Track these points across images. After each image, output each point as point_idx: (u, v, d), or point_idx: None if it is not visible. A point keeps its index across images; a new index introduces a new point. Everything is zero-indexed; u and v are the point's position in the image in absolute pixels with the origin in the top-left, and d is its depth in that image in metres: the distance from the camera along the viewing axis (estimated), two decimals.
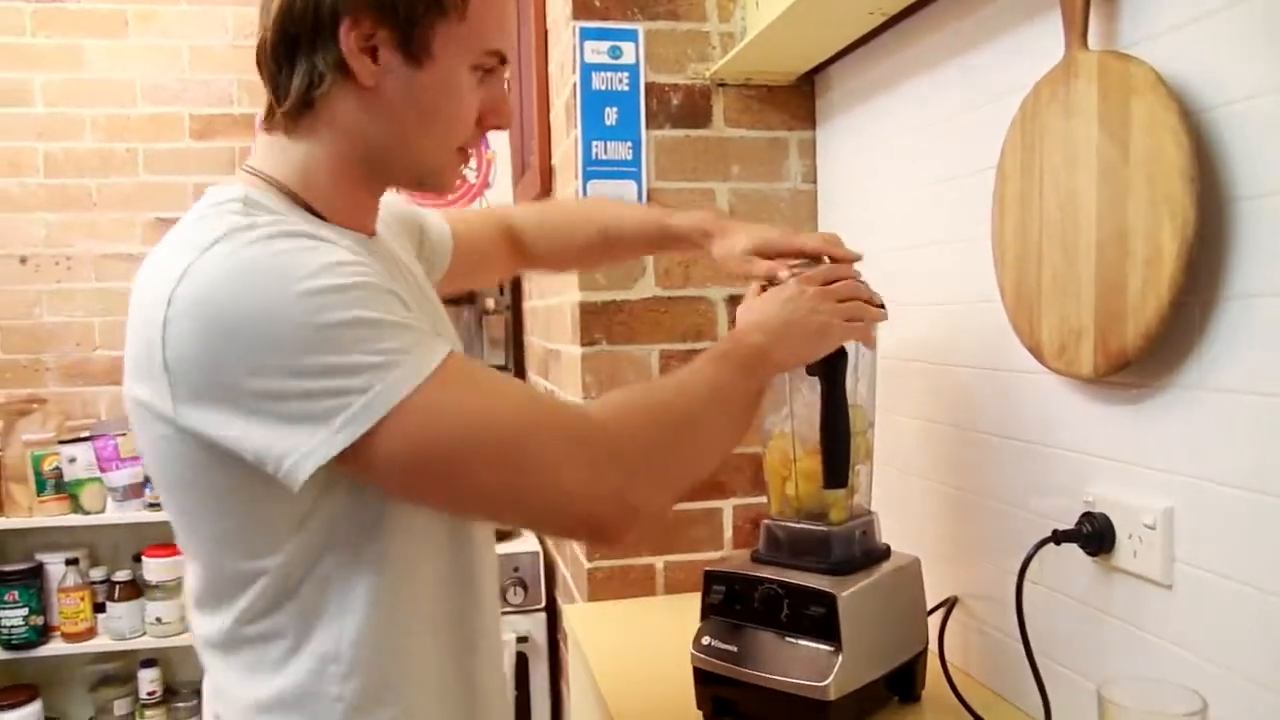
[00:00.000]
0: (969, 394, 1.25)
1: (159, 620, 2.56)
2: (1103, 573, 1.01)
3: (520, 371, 2.76)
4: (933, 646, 1.24)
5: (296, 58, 0.82)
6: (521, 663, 2.10)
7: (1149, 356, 0.91)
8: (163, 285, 0.74)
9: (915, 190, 1.40)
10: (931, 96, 1.36)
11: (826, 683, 1.05)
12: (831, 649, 1.07)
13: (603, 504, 0.79)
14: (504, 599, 2.13)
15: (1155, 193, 0.87)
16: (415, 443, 0.73)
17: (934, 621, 1.26)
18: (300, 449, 0.72)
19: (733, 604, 1.17)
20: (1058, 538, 1.01)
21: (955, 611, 1.29)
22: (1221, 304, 0.85)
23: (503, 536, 2.30)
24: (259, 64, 0.85)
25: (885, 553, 1.20)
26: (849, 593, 1.09)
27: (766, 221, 1.69)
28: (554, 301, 2.01)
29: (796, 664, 1.09)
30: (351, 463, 0.73)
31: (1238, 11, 0.83)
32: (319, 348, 0.71)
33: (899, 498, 1.41)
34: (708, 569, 1.20)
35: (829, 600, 1.08)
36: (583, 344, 1.66)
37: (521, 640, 2.10)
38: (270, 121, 0.86)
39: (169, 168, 2.82)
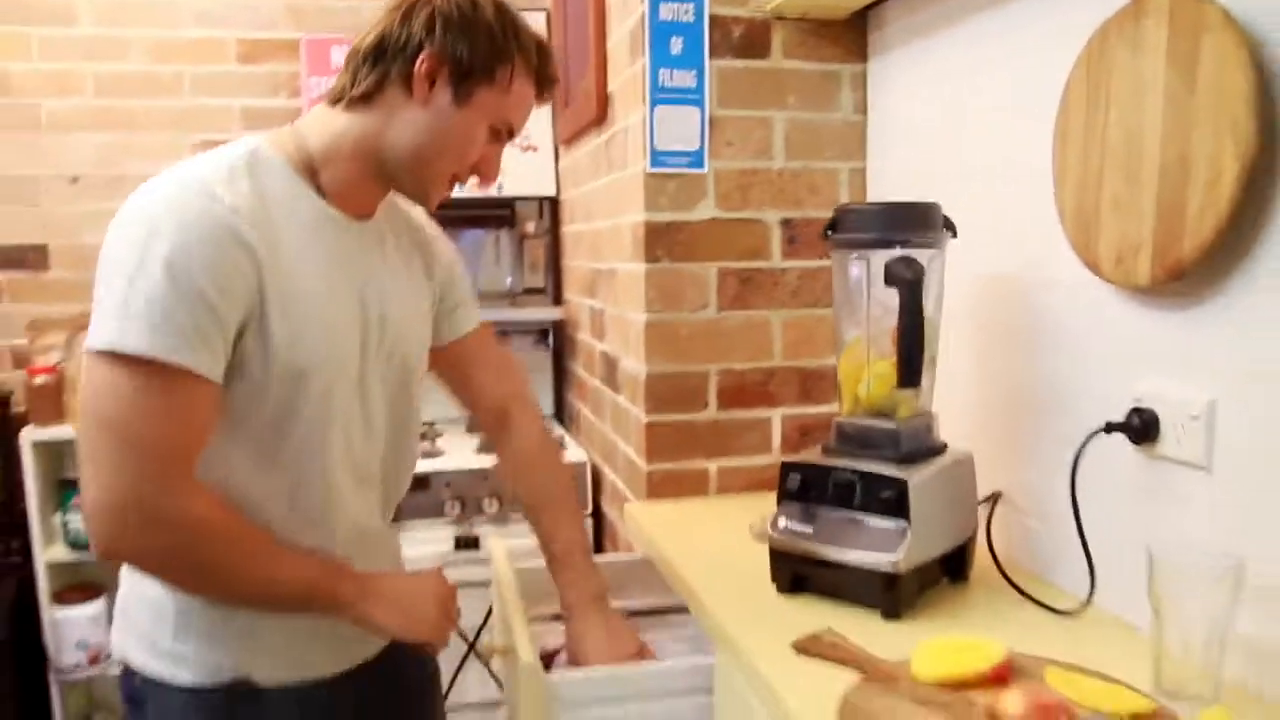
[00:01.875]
0: (1024, 306, 1.38)
1: None
2: (1147, 461, 1.15)
3: (558, 293, 2.87)
4: (979, 537, 1.38)
5: (379, 62, 1.08)
6: None
7: (1204, 267, 1.03)
8: None
9: (969, 122, 1.51)
10: (985, 37, 1.46)
11: (897, 557, 1.20)
12: (901, 528, 1.21)
13: (95, 528, 0.97)
14: None
15: (1220, 120, 0.98)
16: (86, 380, 0.98)
17: (980, 513, 1.40)
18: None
19: (808, 490, 1.30)
20: (1109, 428, 1.15)
21: (1000, 505, 1.43)
22: (1274, 219, 0.98)
23: None
24: (350, 58, 1.10)
25: (943, 448, 1.34)
26: (918, 478, 1.22)
27: (816, 150, 1.81)
28: (608, 224, 2.11)
29: (869, 541, 1.23)
30: None
31: None
32: (132, 281, 0.96)
33: (956, 400, 1.54)
34: (785, 460, 1.33)
35: (900, 484, 1.21)
36: (647, 260, 1.77)
37: None
38: (334, 99, 1.12)
39: (215, 91, 2.88)
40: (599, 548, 2.35)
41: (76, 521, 2.57)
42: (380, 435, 1.20)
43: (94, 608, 2.61)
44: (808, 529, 1.29)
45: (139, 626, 1.13)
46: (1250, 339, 1.01)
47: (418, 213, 1.31)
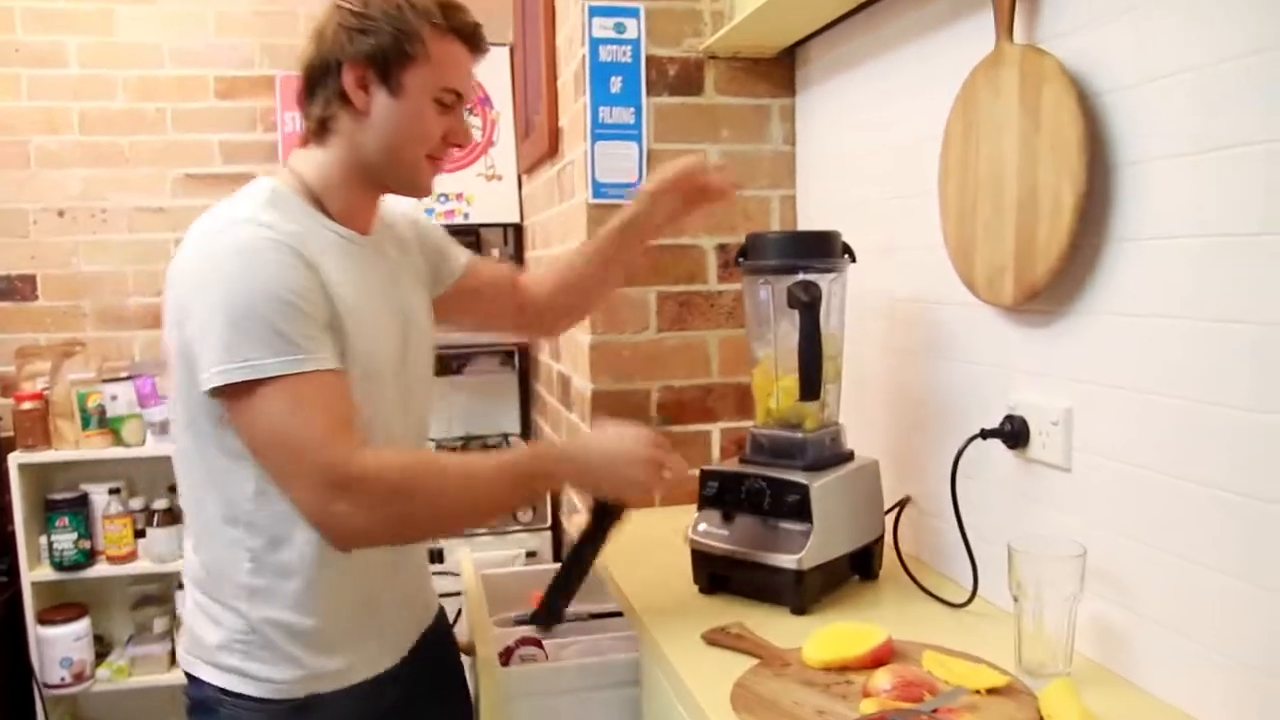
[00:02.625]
0: (925, 324, 1.50)
1: None
2: (1021, 464, 1.27)
3: None
4: (889, 540, 1.50)
5: (316, 94, 1.18)
6: None
7: (1053, 288, 1.15)
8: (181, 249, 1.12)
9: (879, 152, 1.63)
10: (892, 73, 1.59)
11: (800, 555, 1.31)
12: (805, 529, 1.32)
13: (321, 523, 1.08)
14: (514, 518, 2.38)
15: (1058, 159, 1.11)
16: (239, 419, 1.07)
17: (891, 519, 1.52)
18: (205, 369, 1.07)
19: (724, 496, 1.41)
20: (984, 434, 1.26)
21: (908, 509, 1.55)
22: (1108, 246, 1.10)
23: None
24: (298, 103, 1.21)
25: (850, 455, 1.45)
26: (820, 484, 1.34)
27: (749, 179, 1.94)
28: (560, 250, 2.23)
29: (776, 542, 1.34)
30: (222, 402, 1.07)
31: (1129, 16, 1.06)
32: (236, 320, 1.05)
33: (871, 412, 1.65)
34: (704, 468, 1.45)
35: (803, 489, 1.33)
36: None
37: (530, 555, 2.35)
38: (303, 141, 1.23)
39: (195, 126, 3.01)
40: (557, 560, 2.46)
41: (61, 542, 2.68)
42: (417, 428, 1.31)
43: (78, 627, 2.71)
44: (724, 532, 1.40)
45: (204, 645, 1.18)
46: (1098, 353, 1.13)
47: (385, 209, 1.35)
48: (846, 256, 1.42)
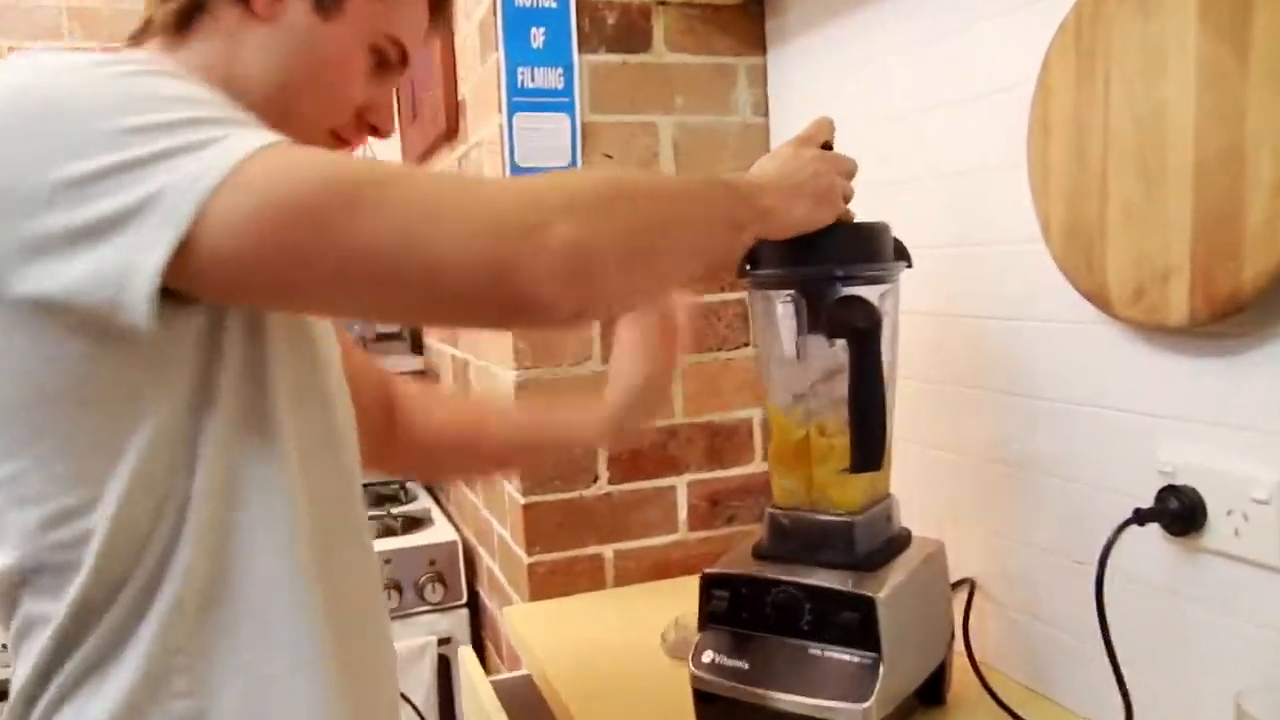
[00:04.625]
0: (992, 350, 1.09)
1: None
2: (1187, 555, 0.86)
3: (417, 339, 2.49)
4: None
5: None
6: (444, 667, 1.87)
7: (1270, 299, 0.75)
8: None
9: (895, 119, 1.22)
10: (912, 13, 1.18)
11: (868, 703, 0.88)
12: (870, 661, 0.90)
13: (524, 238, 0.60)
14: (420, 596, 1.89)
15: None
16: (259, 203, 0.57)
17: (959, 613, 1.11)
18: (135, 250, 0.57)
19: (739, 611, 0.98)
20: (1140, 518, 0.85)
21: (974, 598, 1.14)
22: None
23: (413, 525, 2.06)
24: None
25: (907, 539, 1.04)
26: (887, 593, 0.91)
27: (713, 160, 1.51)
28: None
29: (826, 681, 0.91)
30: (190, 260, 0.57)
31: None
32: (129, 110, 0.58)
33: (906, 469, 1.24)
34: (707, 571, 1.00)
35: (867, 604, 0.90)
36: None
37: (443, 642, 1.87)
38: (142, 36, 0.76)
39: None
40: (478, 647, 1.97)
41: None
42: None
43: None
44: (742, 664, 0.96)
45: None
46: None
47: None
48: (901, 261, 1.00)
